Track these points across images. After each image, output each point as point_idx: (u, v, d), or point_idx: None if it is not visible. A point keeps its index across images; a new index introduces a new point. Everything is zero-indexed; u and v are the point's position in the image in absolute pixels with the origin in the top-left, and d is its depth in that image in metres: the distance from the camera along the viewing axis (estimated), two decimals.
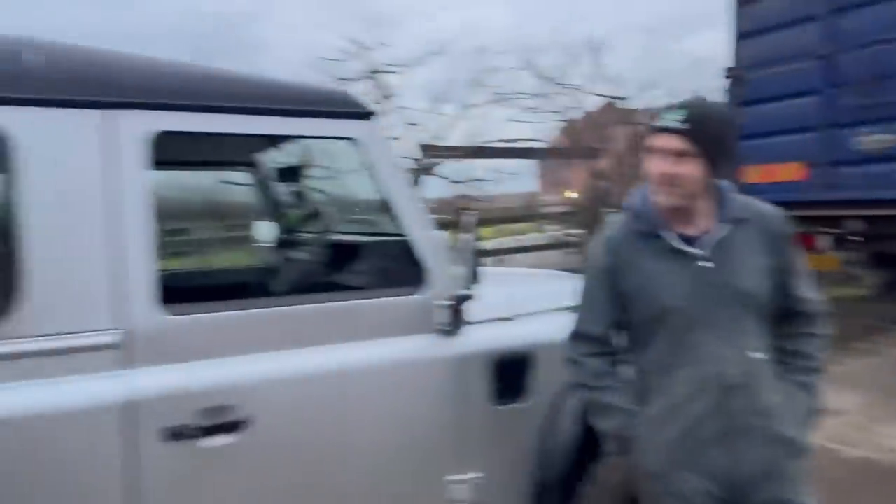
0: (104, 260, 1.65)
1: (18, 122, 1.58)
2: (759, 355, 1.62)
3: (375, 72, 7.23)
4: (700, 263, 1.60)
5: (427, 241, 2.02)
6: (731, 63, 5.94)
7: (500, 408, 2.12)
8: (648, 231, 1.66)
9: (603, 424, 1.76)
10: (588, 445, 2.17)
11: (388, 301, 2.00)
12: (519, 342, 2.16)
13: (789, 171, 5.35)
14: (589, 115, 9.81)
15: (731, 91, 5.96)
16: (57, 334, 1.60)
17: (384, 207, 2.01)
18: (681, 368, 1.61)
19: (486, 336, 2.11)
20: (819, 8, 5.17)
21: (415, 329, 2.02)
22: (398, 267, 2.05)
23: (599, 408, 1.75)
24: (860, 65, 4.86)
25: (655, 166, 1.60)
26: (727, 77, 6.00)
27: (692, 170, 1.56)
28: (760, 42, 5.66)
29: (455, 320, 2.04)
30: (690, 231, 1.63)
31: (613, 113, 9.33)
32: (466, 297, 2.02)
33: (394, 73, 7.30)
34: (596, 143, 8.65)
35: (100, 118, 1.66)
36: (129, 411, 1.65)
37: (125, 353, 1.66)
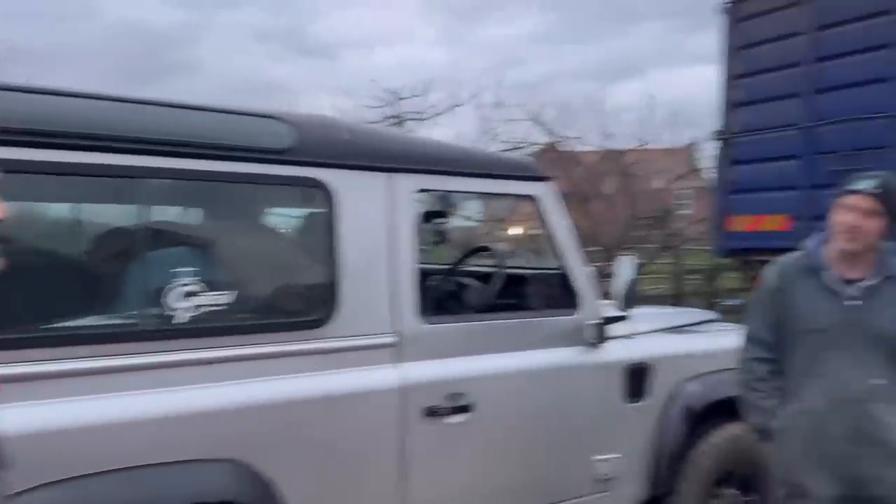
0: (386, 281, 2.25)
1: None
2: (880, 382, 2.08)
3: (400, 118, 7.89)
4: (846, 302, 2.12)
5: (581, 274, 2.68)
6: (721, 127, 6.87)
7: (630, 404, 2.77)
8: (814, 267, 2.22)
9: (750, 418, 2.36)
10: (690, 436, 2.86)
11: (555, 319, 2.65)
12: (641, 355, 2.82)
13: (775, 222, 6.24)
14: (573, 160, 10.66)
15: (721, 151, 6.89)
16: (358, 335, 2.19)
17: (551, 247, 2.66)
18: (813, 379, 2.18)
19: (619, 349, 2.77)
20: (803, 86, 6.13)
21: (572, 341, 2.66)
22: (561, 294, 2.69)
23: (750, 405, 2.34)
24: (839, 137, 5.81)
25: (845, 219, 2.11)
26: (718, 139, 6.94)
27: (874, 226, 2.09)
28: (750, 111, 6.60)
29: (599, 336, 2.69)
30: (849, 274, 2.18)
31: (606, 160, 10.24)
32: (610, 319, 2.68)
33: (420, 119, 7.99)
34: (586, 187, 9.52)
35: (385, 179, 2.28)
36: (402, 393, 2.23)
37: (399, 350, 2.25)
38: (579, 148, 10.79)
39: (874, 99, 5.68)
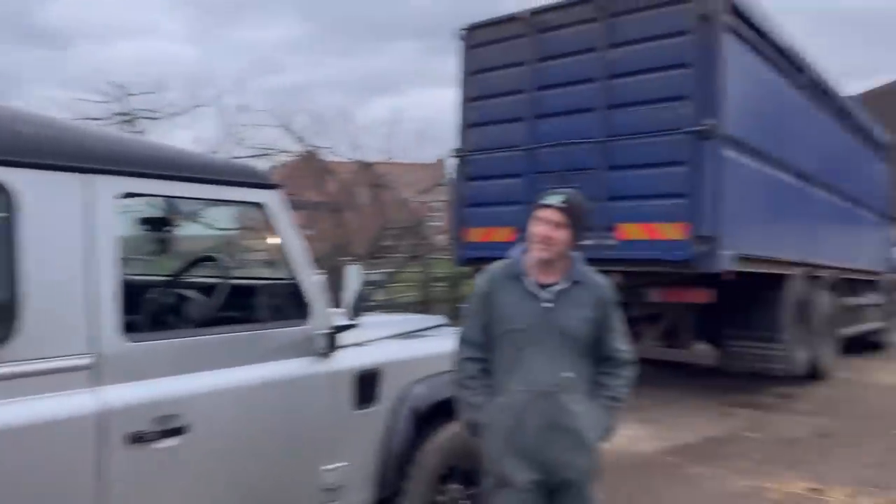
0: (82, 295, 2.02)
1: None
2: (569, 375, 2.35)
3: (131, 116, 7.23)
4: (542, 304, 2.40)
5: (311, 284, 2.66)
6: (458, 146, 7.35)
7: (359, 411, 2.80)
8: (516, 274, 2.44)
9: (462, 414, 2.52)
10: (416, 437, 2.96)
11: (283, 331, 2.58)
12: (371, 361, 2.87)
13: (503, 234, 6.80)
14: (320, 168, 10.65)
15: (459, 168, 7.37)
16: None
17: (280, 257, 2.60)
18: (514, 375, 2.39)
19: (350, 357, 2.78)
20: (525, 112, 6.78)
21: (301, 352, 2.62)
22: (290, 304, 2.63)
23: (462, 402, 2.50)
24: (555, 159, 6.52)
25: (539, 230, 2.38)
26: (456, 157, 7.41)
27: (563, 236, 2.38)
28: (482, 132, 7.14)
29: (330, 346, 2.68)
30: (544, 280, 2.42)
31: (360, 172, 10.38)
32: (340, 328, 2.69)
33: (154, 118, 7.38)
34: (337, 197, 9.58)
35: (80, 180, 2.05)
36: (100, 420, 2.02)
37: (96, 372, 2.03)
38: (332, 158, 10.85)
39: (583, 126, 6.48)
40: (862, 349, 10.58)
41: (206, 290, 2.59)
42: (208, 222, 6.77)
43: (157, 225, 2.91)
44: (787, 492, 4.51)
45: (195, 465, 2.26)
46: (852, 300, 9.76)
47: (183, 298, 2.55)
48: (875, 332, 10.90)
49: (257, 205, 2.54)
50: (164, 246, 2.95)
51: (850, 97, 10.16)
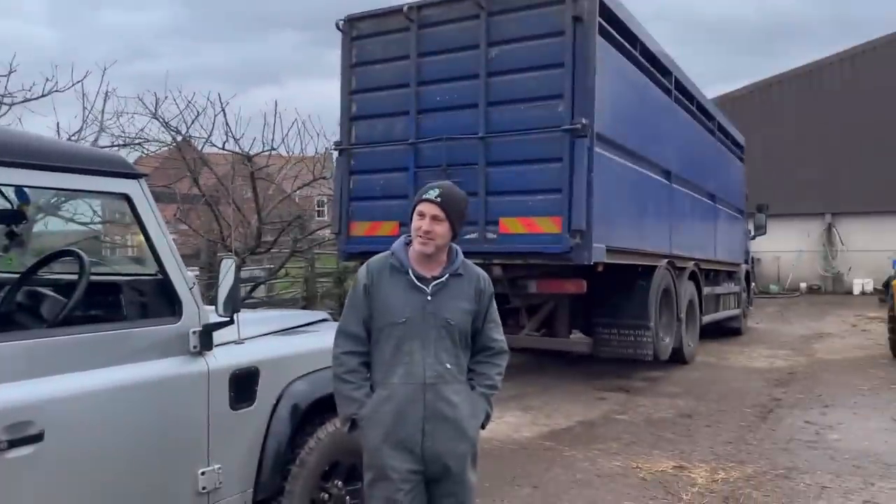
0: None
1: None
2: (448, 366, 2.42)
3: None
4: (423, 297, 2.41)
5: (182, 279, 2.54)
6: (341, 139, 7.25)
7: (237, 411, 2.71)
8: (399, 267, 2.45)
9: (341, 409, 2.50)
10: (296, 435, 2.91)
11: (152, 329, 2.46)
12: (249, 359, 2.79)
13: (387, 228, 6.80)
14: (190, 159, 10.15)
15: (342, 161, 7.28)
16: None
17: (147, 251, 2.47)
18: (397, 367, 2.41)
19: (226, 355, 2.69)
20: (409, 106, 6.79)
21: (173, 352, 2.50)
22: (159, 301, 2.51)
23: (342, 396, 2.48)
24: (439, 154, 6.58)
25: (420, 224, 2.40)
26: (338, 150, 7.31)
27: (443, 229, 2.41)
28: (366, 125, 7.09)
29: (203, 344, 2.58)
30: (425, 273, 2.45)
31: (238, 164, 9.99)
32: (215, 325, 2.59)
33: (5, 104, 6.74)
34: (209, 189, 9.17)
35: None
36: None
37: None
38: (208, 149, 10.40)
39: (466, 122, 6.57)
40: (721, 334, 11.46)
41: (65, 287, 2.42)
42: (69, 215, 6.32)
43: (6, 218, 2.68)
44: (655, 470, 4.80)
45: (54, 474, 2.11)
46: (713, 289, 10.52)
47: (37, 297, 2.37)
48: (733, 318, 11.82)
49: (120, 196, 2.40)
50: (15, 240, 2.71)
51: (711, 100, 10.94)
